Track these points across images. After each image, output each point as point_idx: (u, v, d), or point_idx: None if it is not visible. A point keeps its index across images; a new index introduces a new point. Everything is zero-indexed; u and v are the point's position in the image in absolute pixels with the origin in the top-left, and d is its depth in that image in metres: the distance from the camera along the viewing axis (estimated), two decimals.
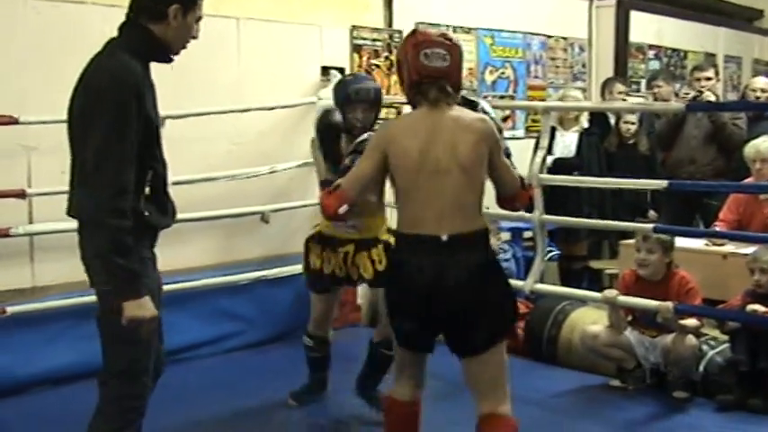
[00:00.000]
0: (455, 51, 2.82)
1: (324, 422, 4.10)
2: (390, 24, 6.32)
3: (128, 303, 2.45)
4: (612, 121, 6.51)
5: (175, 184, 3.08)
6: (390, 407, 3.07)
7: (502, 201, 3.02)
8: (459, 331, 2.80)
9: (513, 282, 5.18)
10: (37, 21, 4.55)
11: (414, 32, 2.87)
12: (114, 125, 2.41)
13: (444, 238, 2.71)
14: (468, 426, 2.98)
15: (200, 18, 2.69)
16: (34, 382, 4.37)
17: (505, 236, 5.71)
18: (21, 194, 4.39)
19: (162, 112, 2.76)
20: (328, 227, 3.96)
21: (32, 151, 4.54)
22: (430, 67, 2.77)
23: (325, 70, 5.72)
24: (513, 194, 3.02)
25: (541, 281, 5.02)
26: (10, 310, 4.29)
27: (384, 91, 6.11)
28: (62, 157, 4.54)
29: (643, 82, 8.60)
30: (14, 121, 4.28)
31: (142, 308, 2.47)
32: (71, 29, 4.65)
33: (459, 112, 2.84)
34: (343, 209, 2.83)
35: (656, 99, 5.94)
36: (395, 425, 3.05)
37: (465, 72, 6.89)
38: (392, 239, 3.87)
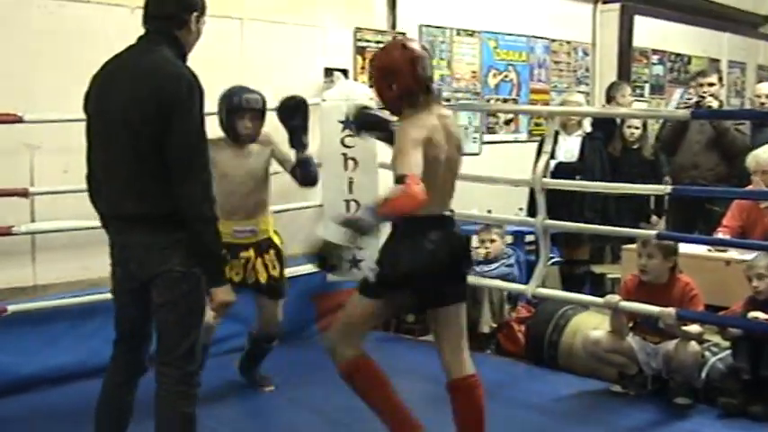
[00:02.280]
0: (431, 62, 3.29)
1: (334, 414, 4.10)
2: (394, 26, 6.33)
3: (220, 289, 2.83)
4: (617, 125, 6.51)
5: None
6: (366, 366, 3.29)
7: None
8: (456, 281, 3.30)
9: (516, 286, 5.21)
10: (43, 20, 4.55)
11: (405, 46, 3.22)
12: (199, 126, 2.73)
13: (447, 213, 3.25)
14: None
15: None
16: (35, 381, 4.36)
17: (508, 239, 5.70)
18: (23, 193, 4.39)
19: None
20: (226, 234, 3.59)
21: (35, 150, 4.55)
22: (426, 77, 3.19)
23: (329, 72, 5.73)
24: None
25: (543, 285, 5.01)
26: (11, 308, 4.29)
27: None
28: (65, 156, 4.59)
29: (647, 87, 8.60)
30: (19, 120, 4.27)
31: (229, 293, 2.86)
32: (76, 28, 4.66)
33: (445, 111, 3.30)
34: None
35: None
36: (374, 380, 3.32)
37: (469, 75, 6.98)
38: (278, 239, 4.36)
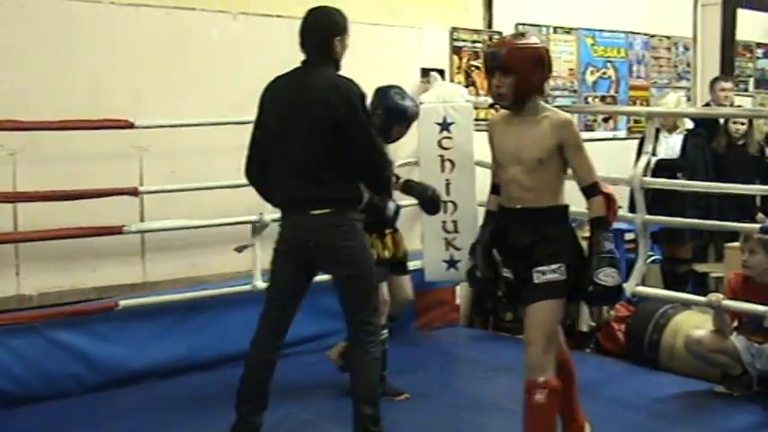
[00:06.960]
0: None
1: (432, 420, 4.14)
2: (490, 26, 6.32)
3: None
4: (721, 121, 6.35)
5: None
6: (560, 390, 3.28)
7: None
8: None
9: None
10: (150, 28, 4.74)
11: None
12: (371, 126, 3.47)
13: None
14: None
15: None
16: (145, 373, 4.55)
17: None
18: (133, 192, 4.56)
19: None
20: None
21: (144, 152, 4.73)
22: None
23: (425, 72, 5.76)
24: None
25: (643, 284, 4.94)
26: (123, 303, 4.48)
27: (483, 92, 6.18)
28: (171, 158, 4.78)
29: (751, 81, 8.36)
30: (130, 126, 4.45)
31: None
32: (182, 35, 4.84)
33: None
34: None
35: None
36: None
37: (566, 72, 6.92)
38: None
